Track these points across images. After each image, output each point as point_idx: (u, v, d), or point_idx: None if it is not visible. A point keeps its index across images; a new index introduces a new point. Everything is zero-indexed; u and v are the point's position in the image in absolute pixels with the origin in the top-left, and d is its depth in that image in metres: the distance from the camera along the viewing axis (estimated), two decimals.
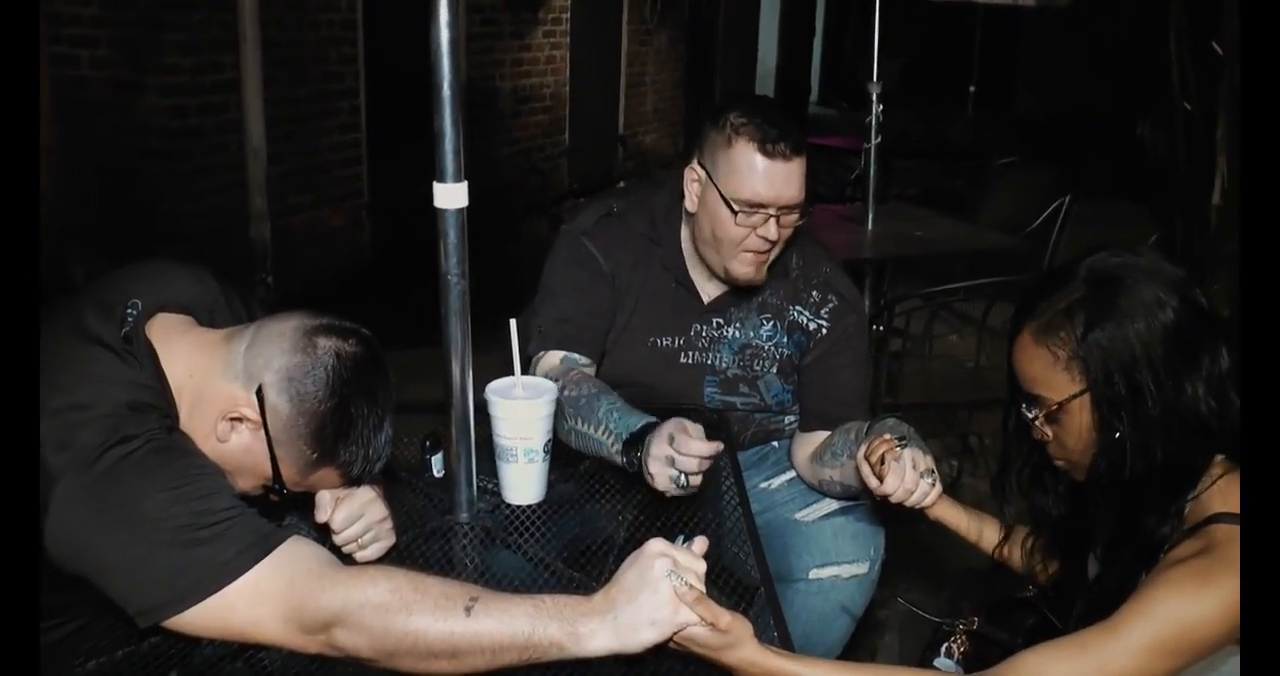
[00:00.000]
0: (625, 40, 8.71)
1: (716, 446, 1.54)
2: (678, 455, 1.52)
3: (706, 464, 1.54)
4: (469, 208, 1.37)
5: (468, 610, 1.12)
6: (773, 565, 1.89)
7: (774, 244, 1.80)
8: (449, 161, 1.33)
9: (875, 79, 3.63)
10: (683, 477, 1.53)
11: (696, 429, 1.55)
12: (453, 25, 1.30)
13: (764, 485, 2.02)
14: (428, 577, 1.17)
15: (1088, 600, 1.33)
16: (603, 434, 1.66)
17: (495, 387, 1.58)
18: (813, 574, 1.91)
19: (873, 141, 3.60)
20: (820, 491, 1.94)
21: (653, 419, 1.62)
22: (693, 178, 1.84)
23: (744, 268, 1.83)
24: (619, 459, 1.63)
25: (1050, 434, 1.35)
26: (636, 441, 1.60)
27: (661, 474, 1.55)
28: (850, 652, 2.05)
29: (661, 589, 1.12)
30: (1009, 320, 1.39)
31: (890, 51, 3.95)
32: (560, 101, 7.82)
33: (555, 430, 1.69)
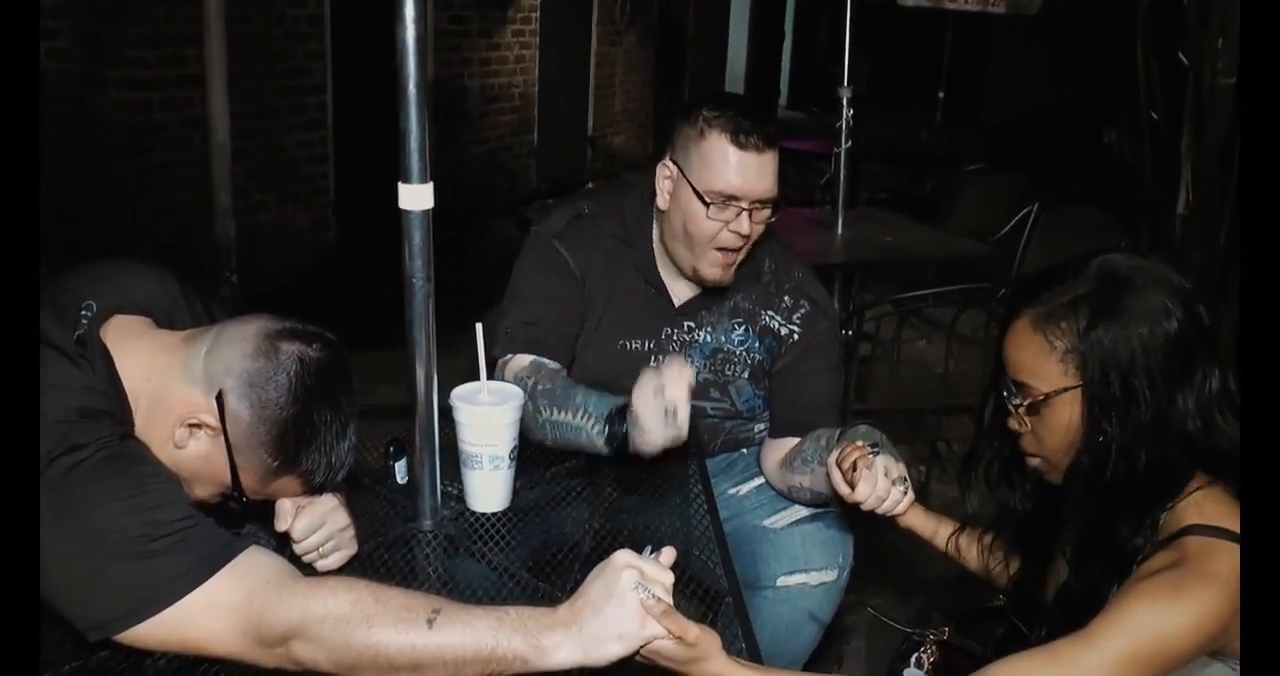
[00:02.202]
0: (595, 40, 8.69)
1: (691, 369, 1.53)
2: (666, 381, 1.49)
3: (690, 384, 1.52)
4: (435, 208, 1.34)
5: (430, 622, 1.10)
6: (741, 572, 1.86)
7: (746, 240, 1.78)
8: (414, 162, 1.30)
9: (846, 83, 3.62)
10: (670, 410, 1.49)
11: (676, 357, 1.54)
12: (419, 22, 1.27)
13: (732, 491, 2.01)
14: (389, 589, 1.14)
15: (1056, 607, 1.32)
16: (582, 418, 1.63)
17: (460, 393, 1.55)
18: (780, 581, 1.89)
19: (843, 146, 3.60)
20: (789, 498, 1.93)
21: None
22: (665, 173, 1.82)
23: (712, 268, 1.81)
24: (600, 439, 1.61)
25: (1029, 425, 1.33)
26: (617, 416, 1.58)
27: (647, 410, 1.50)
28: (817, 659, 2.04)
29: (628, 601, 1.10)
30: (1007, 304, 1.37)
31: (860, 56, 3.95)
32: (529, 101, 7.79)
33: (529, 428, 1.66)
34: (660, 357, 1.91)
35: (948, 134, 7.01)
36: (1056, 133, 6.52)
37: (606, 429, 1.60)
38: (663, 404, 1.50)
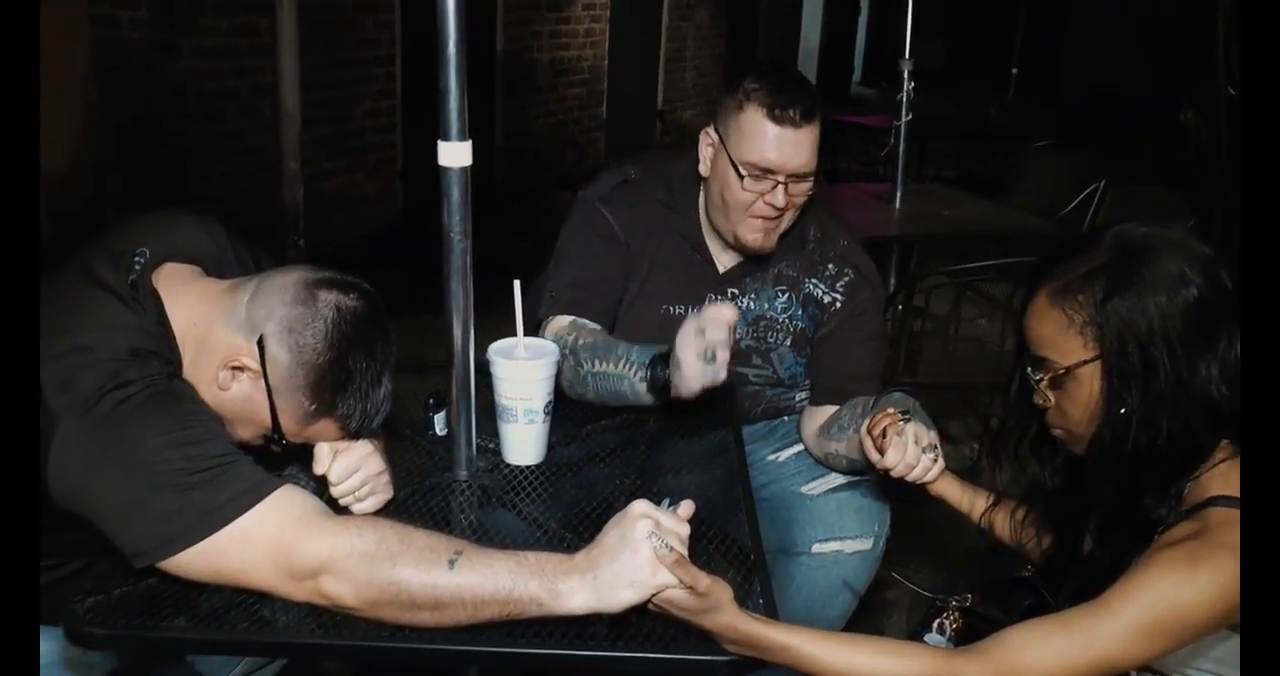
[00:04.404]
0: (665, 14, 8.65)
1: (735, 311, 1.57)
2: (707, 323, 1.52)
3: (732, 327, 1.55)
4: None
5: (451, 563, 1.13)
6: (776, 538, 1.89)
7: (782, 211, 1.79)
8: (453, 120, 1.33)
9: (908, 55, 3.58)
10: (709, 352, 1.52)
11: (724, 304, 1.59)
12: None
13: (771, 457, 2.02)
14: (415, 529, 1.18)
15: (1079, 577, 1.32)
16: (624, 367, 1.67)
17: (497, 348, 1.59)
18: (816, 548, 1.90)
19: (903, 119, 3.56)
20: (826, 465, 1.93)
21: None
22: (706, 142, 1.84)
23: (752, 234, 1.82)
24: (642, 386, 1.64)
25: (1052, 399, 1.33)
26: (660, 362, 1.62)
27: (690, 352, 1.53)
28: (854, 629, 2.03)
29: (642, 550, 1.13)
30: (1027, 280, 1.36)
31: (933, 32, 3.91)
32: (598, 75, 7.79)
33: (570, 384, 1.70)
34: None
35: (1019, 111, 6.88)
36: (1131, 110, 6.36)
37: (649, 375, 1.63)
38: (703, 344, 1.53)
